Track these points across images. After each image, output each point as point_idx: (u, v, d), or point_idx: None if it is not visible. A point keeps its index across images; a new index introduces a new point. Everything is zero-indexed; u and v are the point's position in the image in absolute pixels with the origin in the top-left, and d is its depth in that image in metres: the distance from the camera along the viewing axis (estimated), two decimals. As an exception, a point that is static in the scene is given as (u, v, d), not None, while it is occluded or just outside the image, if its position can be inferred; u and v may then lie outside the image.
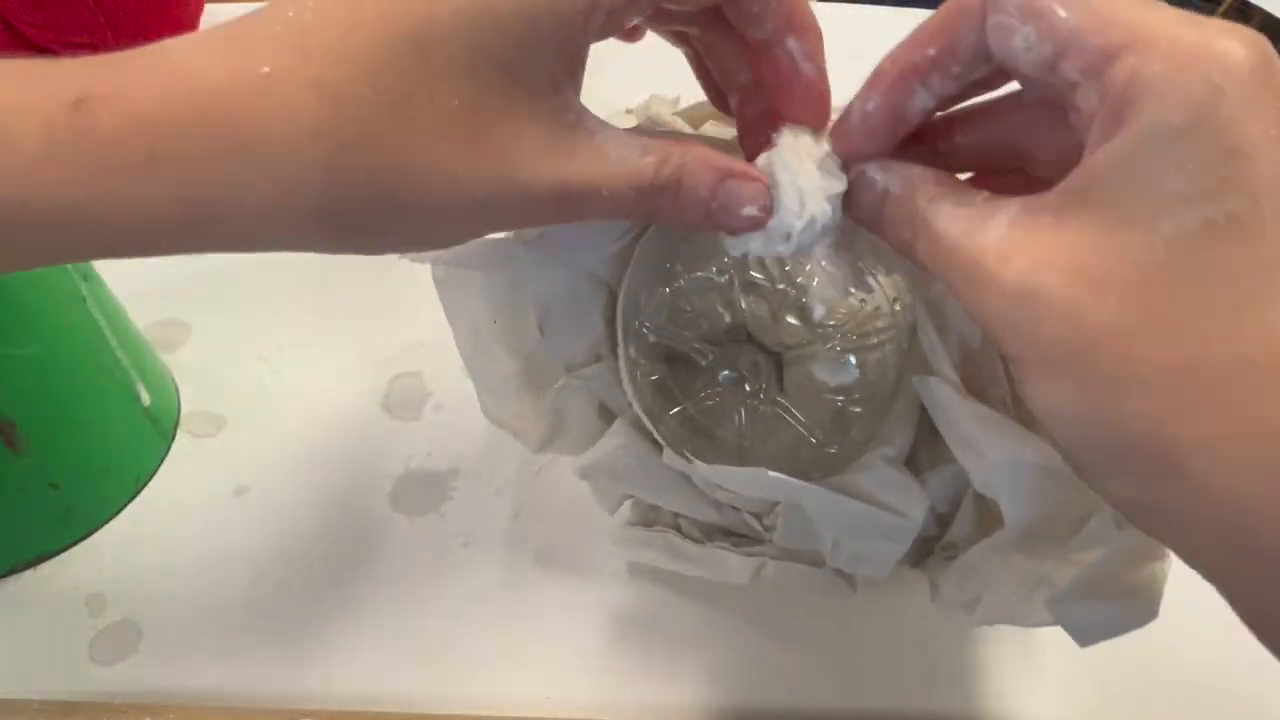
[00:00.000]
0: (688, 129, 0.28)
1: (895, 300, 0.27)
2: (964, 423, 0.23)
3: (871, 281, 0.22)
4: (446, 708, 0.32)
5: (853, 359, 0.23)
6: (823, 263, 0.22)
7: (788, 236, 0.21)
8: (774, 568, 0.33)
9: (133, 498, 0.38)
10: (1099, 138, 0.17)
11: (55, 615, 0.34)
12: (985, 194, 0.19)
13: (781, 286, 0.23)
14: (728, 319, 0.24)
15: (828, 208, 0.21)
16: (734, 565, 0.33)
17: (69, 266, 0.34)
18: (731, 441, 0.25)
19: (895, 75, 0.21)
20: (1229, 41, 0.16)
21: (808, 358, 0.23)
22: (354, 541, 0.37)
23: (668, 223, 0.23)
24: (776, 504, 0.32)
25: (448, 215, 0.20)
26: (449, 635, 0.34)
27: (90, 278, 0.36)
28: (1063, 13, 0.17)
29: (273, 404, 0.42)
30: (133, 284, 0.39)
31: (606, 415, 0.31)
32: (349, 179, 0.18)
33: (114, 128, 0.17)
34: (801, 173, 0.21)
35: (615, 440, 0.31)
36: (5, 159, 0.17)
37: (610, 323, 0.29)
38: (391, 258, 0.23)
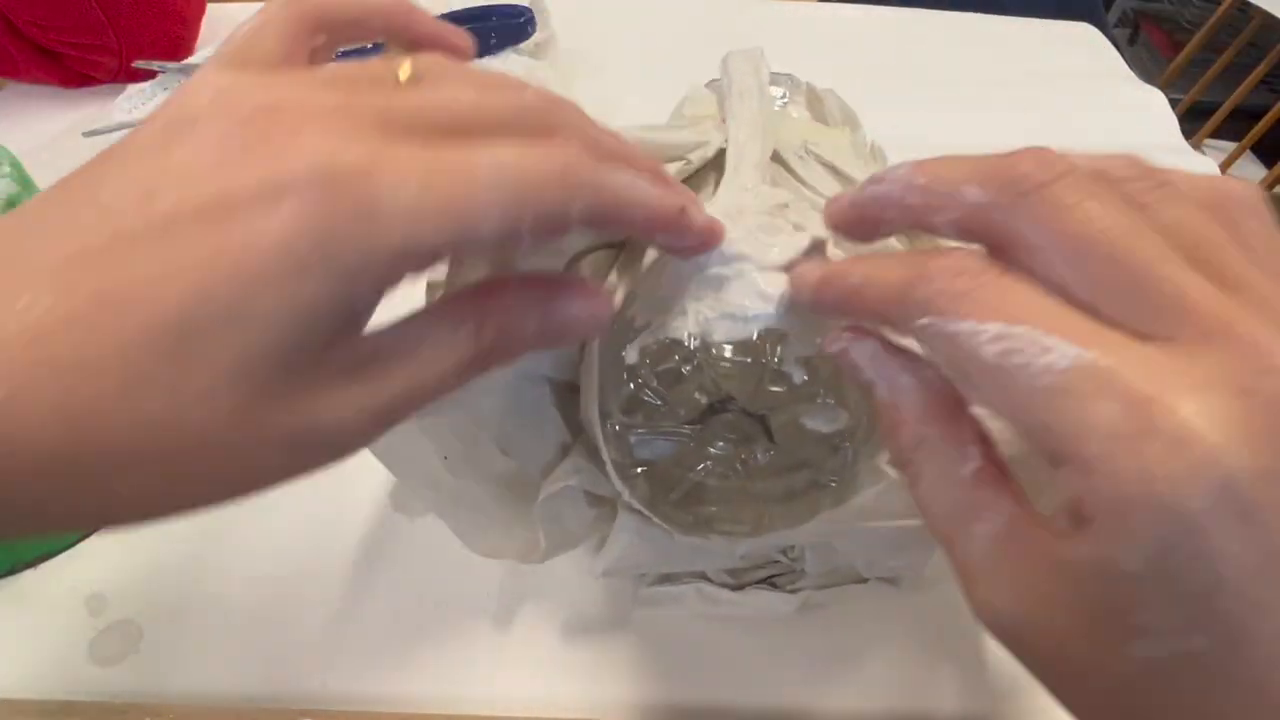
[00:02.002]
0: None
1: None
2: None
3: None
4: (446, 708, 0.32)
5: (833, 402, 0.23)
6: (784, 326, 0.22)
7: (748, 319, 0.21)
8: (819, 595, 0.33)
9: (133, 497, 0.38)
10: (1063, 522, 0.17)
11: (55, 615, 0.34)
12: (976, 460, 0.18)
13: (751, 360, 0.22)
14: (705, 401, 0.23)
15: (782, 288, 0.21)
16: (777, 601, 0.33)
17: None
18: (734, 500, 0.25)
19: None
20: (1175, 464, 0.14)
21: (796, 412, 0.23)
22: (354, 541, 0.37)
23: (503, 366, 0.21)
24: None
25: (248, 486, 0.19)
26: (449, 635, 0.34)
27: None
28: (995, 403, 0.17)
29: (273, 404, 0.42)
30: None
31: (596, 501, 0.31)
32: (108, 494, 0.16)
33: None
34: (758, 257, 0.21)
35: (625, 536, 0.30)
36: None
37: (563, 410, 0.29)
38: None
